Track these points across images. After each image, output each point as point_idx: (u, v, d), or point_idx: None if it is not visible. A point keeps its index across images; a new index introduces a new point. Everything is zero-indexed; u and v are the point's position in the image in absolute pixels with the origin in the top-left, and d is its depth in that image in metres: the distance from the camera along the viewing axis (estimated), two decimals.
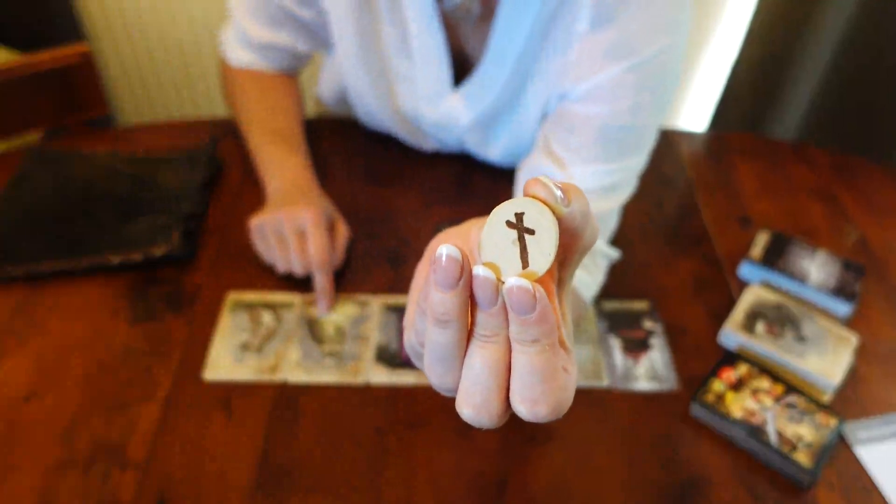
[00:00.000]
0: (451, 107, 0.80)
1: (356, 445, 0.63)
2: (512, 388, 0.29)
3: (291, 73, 0.91)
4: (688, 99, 1.69)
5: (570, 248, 0.30)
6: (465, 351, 0.29)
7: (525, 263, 0.28)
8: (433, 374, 0.30)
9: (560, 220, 0.28)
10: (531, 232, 0.28)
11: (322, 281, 0.72)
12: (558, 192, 0.27)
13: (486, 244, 0.28)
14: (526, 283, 0.27)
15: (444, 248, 0.27)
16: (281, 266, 0.74)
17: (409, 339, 0.35)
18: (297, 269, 0.73)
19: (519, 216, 0.28)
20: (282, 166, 0.80)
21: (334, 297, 0.74)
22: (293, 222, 0.73)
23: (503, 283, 0.27)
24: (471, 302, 0.28)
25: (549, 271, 0.31)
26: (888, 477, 0.63)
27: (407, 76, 0.80)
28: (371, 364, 0.69)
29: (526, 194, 0.28)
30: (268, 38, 0.84)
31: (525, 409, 0.28)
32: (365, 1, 0.75)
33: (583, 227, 0.29)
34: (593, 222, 0.30)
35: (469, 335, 0.29)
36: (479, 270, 0.27)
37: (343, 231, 0.78)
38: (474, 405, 0.29)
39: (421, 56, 0.76)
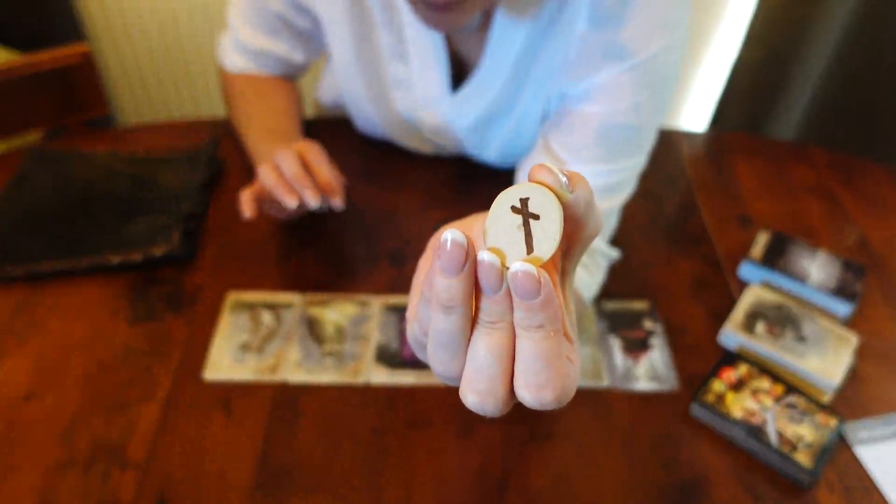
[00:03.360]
0: (450, 110, 0.80)
1: (356, 445, 0.63)
2: (516, 374, 0.28)
3: (287, 79, 0.91)
4: (688, 99, 1.69)
5: (573, 237, 0.30)
6: (470, 338, 0.29)
7: (530, 248, 0.28)
8: (437, 361, 0.30)
9: (564, 207, 0.28)
10: (536, 217, 0.27)
11: (325, 173, 0.70)
12: (563, 178, 0.27)
13: (491, 229, 0.28)
14: (531, 267, 0.27)
15: (448, 233, 0.27)
16: (286, 195, 0.68)
17: (413, 330, 0.35)
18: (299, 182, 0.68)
19: (524, 201, 0.27)
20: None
21: (342, 191, 0.71)
22: (285, 149, 0.71)
23: (508, 268, 0.27)
24: (475, 288, 0.28)
25: (553, 261, 0.30)
26: (888, 477, 0.63)
27: (404, 81, 0.80)
28: (371, 364, 0.69)
29: (531, 180, 0.28)
30: (263, 46, 0.84)
31: (529, 395, 0.28)
32: (359, 7, 0.75)
33: (586, 216, 0.29)
34: (596, 212, 0.30)
35: (473, 322, 0.29)
36: (483, 255, 0.27)
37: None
38: (479, 392, 0.29)
39: (418, 61, 0.76)
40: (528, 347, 0.28)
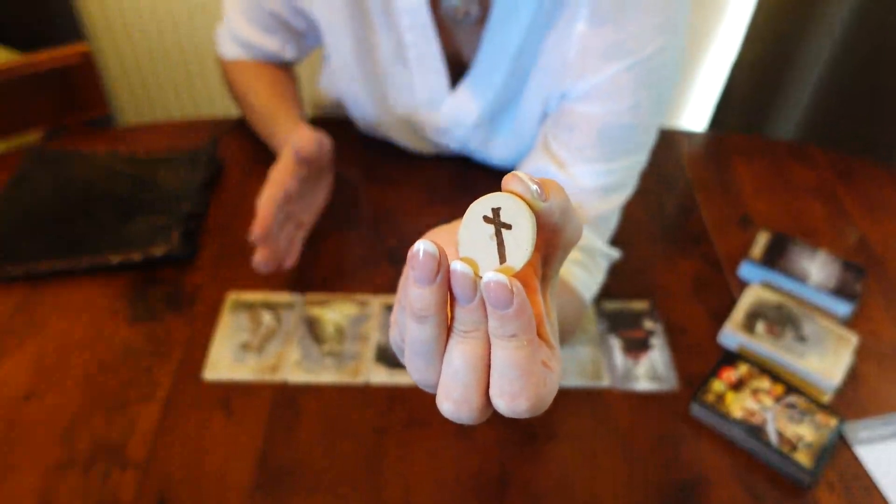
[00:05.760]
0: (450, 111, 0.80)
1: (356, 445, 0.63)
2: (491, 382, 0.29)
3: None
4: (688, 99, 1.69)
5: (551, 243, 0.30)
6: (445, 346, 0.29)
7: (502, 258, 0.28)
8: (414, 369, 0.30)
9: (538, 215, 0.28)
10: (508, 227, 0.28)
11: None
12: (534, 187, 0.27)
13: (464, 239, 0.28)
14: (503, 277, 0.27)
15: (420, 243, 0.27)
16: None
17: (394, 335, 0.35)
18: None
19: (496, 211, 0.28)
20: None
21: (271, 256, 0.68)
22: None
23: (481, 278, 0.27)
24: (450, 297, 0.28)
25: (532, 267, 0.30)
26: (888, 477, 0.63)
27: (403, 83, 0.80)
28: (371, 364, 0.69)
29: (503, 189, 0.28)
30: (256, 40, 0.85)
31: (504, 403, 0.28)
32: (358, 11, 0.75)
33: (563, 223, 0.29)
34: (575, 219, 0.30)
35: (448, 330, 0.29)
36: (456, 265, 0.27)
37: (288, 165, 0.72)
38: (454, 400, 0.29)
39: (417, 64, 0.76)
40: (503, 356, 0.28)
